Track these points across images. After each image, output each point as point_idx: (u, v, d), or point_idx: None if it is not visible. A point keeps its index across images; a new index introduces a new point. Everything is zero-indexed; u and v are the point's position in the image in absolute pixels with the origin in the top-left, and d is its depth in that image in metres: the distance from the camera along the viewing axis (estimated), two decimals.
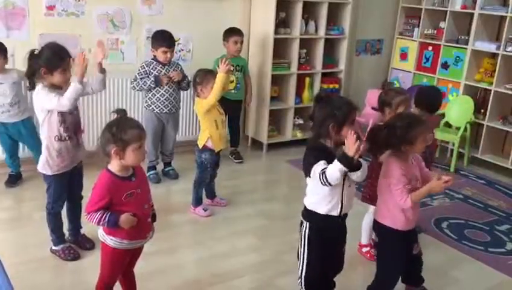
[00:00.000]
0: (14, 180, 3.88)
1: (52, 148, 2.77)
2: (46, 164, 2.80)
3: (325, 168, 2.17)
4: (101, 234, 2.23)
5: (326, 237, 2.36)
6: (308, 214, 2.37)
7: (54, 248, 2.97)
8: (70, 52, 2.75)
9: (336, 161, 2.14)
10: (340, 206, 2.32)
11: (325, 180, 2.17)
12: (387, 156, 2.47)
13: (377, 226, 2.57)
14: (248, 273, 2.98)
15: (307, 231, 2.36)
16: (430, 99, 3.30)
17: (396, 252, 2.51)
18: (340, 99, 2.39)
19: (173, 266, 2.99)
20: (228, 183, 3.84)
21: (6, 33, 3.89)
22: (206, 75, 3.48)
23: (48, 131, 2.75)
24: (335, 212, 2.32)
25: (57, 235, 2.96)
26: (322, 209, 2.32)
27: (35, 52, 2.72)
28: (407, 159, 2.46)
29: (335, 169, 2.13)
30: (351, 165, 2.14)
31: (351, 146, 2.10)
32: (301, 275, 2.43)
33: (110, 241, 2.20)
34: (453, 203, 4.18)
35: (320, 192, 2.29)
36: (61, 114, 2.73)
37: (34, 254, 2.97)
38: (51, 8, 4.04)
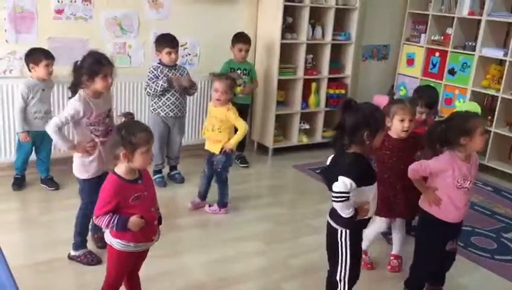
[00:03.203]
0: (21, 183, 3.90)
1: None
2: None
3: (347, 197, 2.20)
4: (108, 237, 2.24)
5: (361, 237, 2.42)
6: (348, 223, 2.32)
7: (73, 253, 2.95)
8: (112, 60, 2.81)
9: (353, 209, 2.22)
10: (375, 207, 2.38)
11: (338, 201, 2.21)
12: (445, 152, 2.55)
13: (421, 215, 2.68)
14: (254, 277, 2.98)
15: (348, 237, 2.34)
16: (427, 95, 3.38)
17: (432, 240, 2.62)
18: (371, 106, 2.36)
19: (178, 269, 2.99)
20: (234, 188, 3.84)
21: (15, 36, 3.93)
22: (214, 77, 3.63)
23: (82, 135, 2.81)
24: (373, 214, 2.40)
25: (82, 239, 2.95)
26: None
27: (78, 63, 2.76)
28: (468, 159, 2.52)
29: (348, 211, 2.22)
30: (353, 219, 2.26)
31: (364, 213, 2.26)
32: (344, 279, 2.40)
33: (117, 244, 2.20)
34: None
35: (365, 198, 2.29)
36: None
37: (40, 257, 2.98)
38: (59, 12, 4.07)
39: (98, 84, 2.73)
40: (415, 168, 2.60)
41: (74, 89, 2.79)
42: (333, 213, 2.37)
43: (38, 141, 3.79)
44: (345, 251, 2.36)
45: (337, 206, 2.23)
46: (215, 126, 3.59)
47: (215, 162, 3.67)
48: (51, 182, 3.91)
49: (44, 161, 3.91)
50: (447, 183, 2.51)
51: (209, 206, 3.77)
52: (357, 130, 2.23)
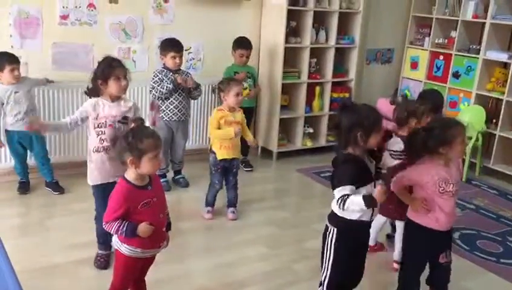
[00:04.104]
0: (26, 187, 3.91)
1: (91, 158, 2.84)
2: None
3: (346, 196, 2.18)
4: (116, 242, 2.24)
5: (354, 243, 2.37)
6: (337, 220, 2.33)
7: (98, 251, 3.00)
8: (124, 62, 2.86)
9: (361, 198, 2.16)
10: (371, 211, 2.33)
11: (341, 206, 2.19)
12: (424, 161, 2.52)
13: (407, 224, 2.64)
14: (258, 282, 2.98)
15: (335, 236, 2.34)
16: (433, 99, 3.39)
17: (416, 247, 2.57)
18: (367, 107, 2.36)
19: (183, 274, 2.99)
20: (238, 192, 3.85)
21: (20, 42, 3.95)
22: (229, 82, 3.63)
23: (89, 142, 2.83)
24: (366, 218, 2.33)
25: (100, 241, 2.98)
26: (353, 216, 2.29)
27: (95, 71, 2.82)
28: (448, 164, 2.49)
29: (356, 205, 2.17)
30: (372, 206, 2.20)
31: (381, 196, 2.16)
32: (324, 282, 2.41)
33: (125, 249, 2.21)
34: (464, 213, 4.14)
35: None
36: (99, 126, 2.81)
37: (46, 261, 2.99)
38: (64, 17, 4.09)
39: (112, 87, 2.75)
40: (397, 181, 2.57)
41: (91, 94, 2.82)
42: (330, 214, 2.38)
43: (26, 141, 3.79)
44: (329, 249, 2.35)
45: (346, 206, 2.19)
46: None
47: (235, 166, 3.71)
48: (56, 186, 3.93)
49: (44, 163, 3.91)
50: (430, 191, 2.48)
51: (232, 212, 3.77)
52: (351, 131, 2.24)
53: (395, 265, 3.12)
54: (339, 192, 2.22)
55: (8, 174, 4.04)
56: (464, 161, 4.99)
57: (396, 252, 3.13)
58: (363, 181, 2.27)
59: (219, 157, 3.61)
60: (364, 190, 2.27)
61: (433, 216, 2.50)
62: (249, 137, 3.78)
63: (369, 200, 2.16)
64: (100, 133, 2.77)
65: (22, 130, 3.70)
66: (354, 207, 2.19)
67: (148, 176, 2.22)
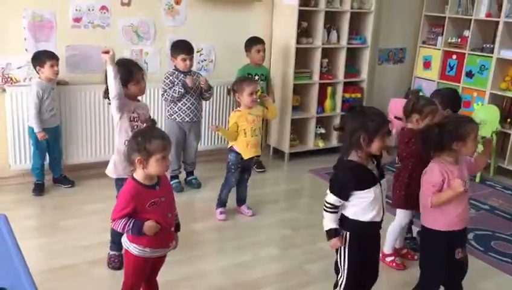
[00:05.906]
0: (42, 189, 3.95)
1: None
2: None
3: (327, 207, 2.31)
4: (125, 241, 2.26)
5: (367, 244, 2.37)
6: (348, 224, 2.33)
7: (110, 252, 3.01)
8: (142, 65, 2.93)
9: (328, 225, 2.32)
10: (382, 211, 2.33)
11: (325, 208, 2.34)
12: (432, 162, 2.52)
13: (421, 229, 2.65)
14: (271, 283, 2.97)
15: (348, 240, 2.34)
16: (451, 98, 3.34)
17: (436, 254, 2.55)
18: (374, 110, 2.33)
19: (196, 274, 3.00)
20: (250, 193, 3.85)
21: (34, 45, 3.98)
22: (242, 83, 3.62)
23: (119, 136, 2.86)
24: (378, 218, 2.33)
25: (113, 241, 2.97)
26: (365, 217, 2.30)
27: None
28: (457, 161, 2.49)
29: (324, 225, 2.35)
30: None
31: (335, 245, 2.34)
32: (341, 285, 2.41)
33: (134, 249, 2.22)
34: (479, 214, 4.09)
35: (364, 201, 2.27)
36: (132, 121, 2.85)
37: (60, 262, 3.02)
38: (77, 20, 4.12)
39: (133, 89, 2.84)
40: (427, 197, 2.51)
41: (107, 96, 2.87)
42: (340, 218, 2.38)
43: (52, 137, 3.90)
44: (343, 254, 2.35)
45: (324, 214, 2.34)
46: (259, 127, 3.66)
47: (252, 164, 3.78)
48: (65, 180, 4.06)
49: (58, 160, 4.05)
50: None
51: (248, 208, 3.84)
52: (354, 133, 2.23)
53: (388, 259, 3.15)
54: (327, 197, 2.32)
55: (23, 175, 4.09)
56: None
57: (386, 244, 3.14)
58: (367, 185, 2.27)
59: (246, 156, 3.60)
60: (371, 192, 2.27)
61: (447, 217, 2.48)
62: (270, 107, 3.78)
63: (329, 235, 2.33)
64: (135, 127, 2.82)
65: (52, 126, 3.89)
66: (327, 222, 2.33)
67: (156, 176, 2.23)
